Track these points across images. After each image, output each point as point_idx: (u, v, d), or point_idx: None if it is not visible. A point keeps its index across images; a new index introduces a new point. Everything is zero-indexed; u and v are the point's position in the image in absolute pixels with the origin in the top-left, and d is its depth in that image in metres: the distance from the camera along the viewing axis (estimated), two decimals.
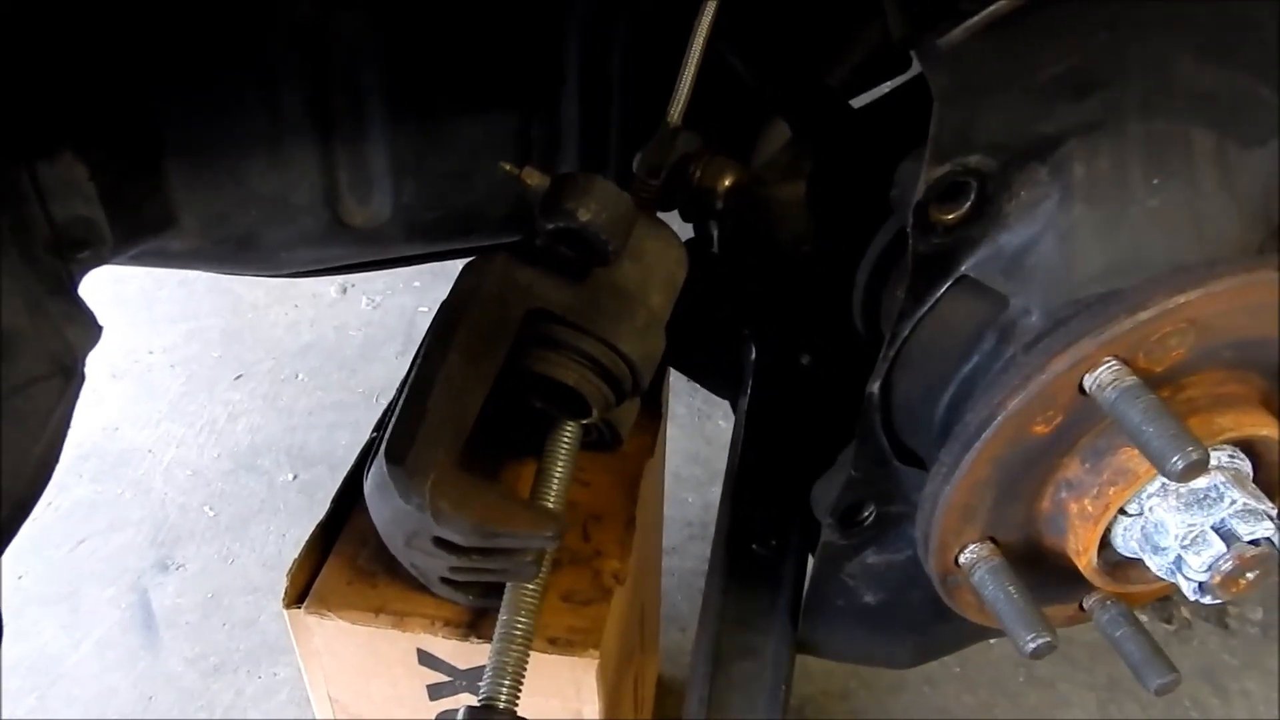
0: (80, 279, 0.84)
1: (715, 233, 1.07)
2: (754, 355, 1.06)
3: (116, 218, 0.84)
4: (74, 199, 0.80)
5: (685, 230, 1.05)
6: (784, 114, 1.03)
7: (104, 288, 2.28)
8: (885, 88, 1.00)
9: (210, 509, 1.97)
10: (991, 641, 1.66)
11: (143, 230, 0.89)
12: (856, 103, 1.00)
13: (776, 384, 1.05)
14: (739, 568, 1.01)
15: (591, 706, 0.96)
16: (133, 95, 0.83)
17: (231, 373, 2.29)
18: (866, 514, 0.86)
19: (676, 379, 1.22)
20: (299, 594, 0.96)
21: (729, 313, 1.07)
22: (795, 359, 1.03)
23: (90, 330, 0.78)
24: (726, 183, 1.00)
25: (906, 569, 0.88)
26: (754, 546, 1.02)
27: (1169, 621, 1.75)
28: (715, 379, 1.19)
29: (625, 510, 1.06)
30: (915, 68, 0.84)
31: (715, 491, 1.07)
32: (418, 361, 0.86)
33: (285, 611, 0.96)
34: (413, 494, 0.78)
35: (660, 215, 0.95)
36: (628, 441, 1.07)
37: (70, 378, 0.75)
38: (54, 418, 0.74)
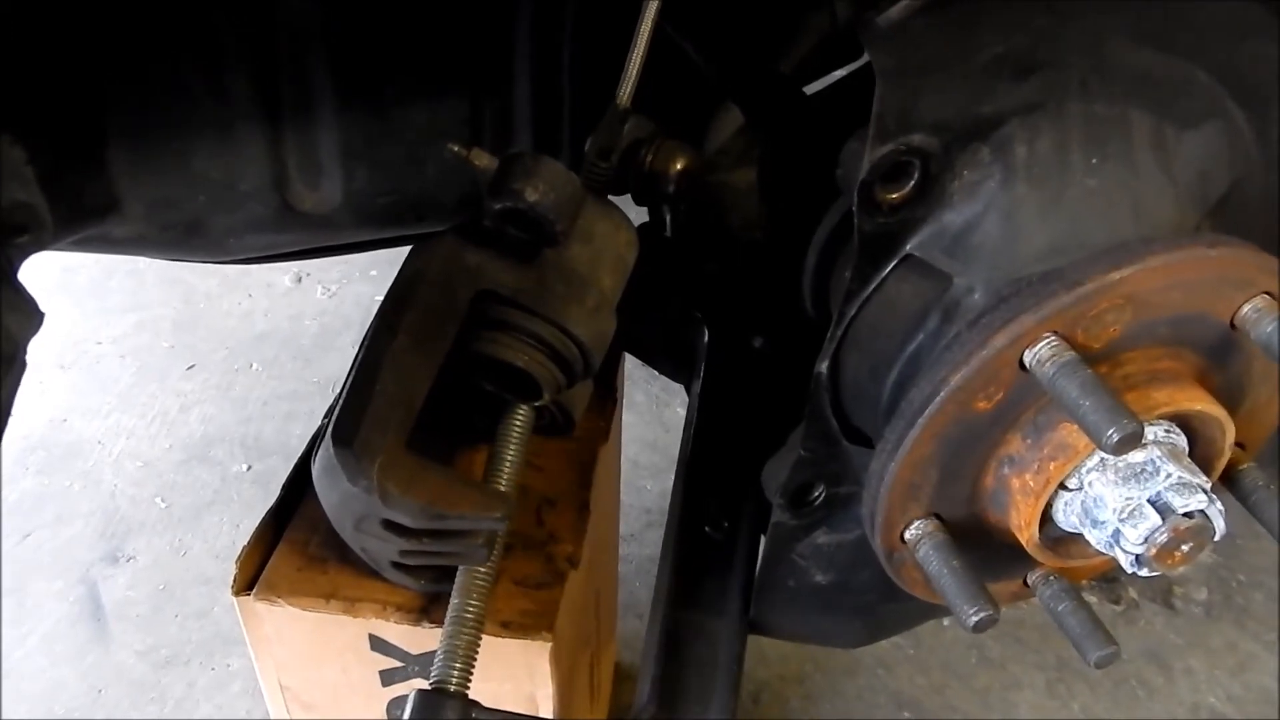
0: (19, 264, 0.82)
1: (668, 216, 1.07)
2: (706, 338, 1.06)
3: (57, 203, 0.82)
4: (12, 184, 0.78)
5: (640, 214, 1.05)
6: (736, 100, 1.03)
7: (52, 277, 2.28)
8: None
9: (162, 500, 1.94)
10: (944, 624, 1.69)
11: (85, 216, 0.87)
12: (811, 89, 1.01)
13: (729, 367, 1.05)
14: (692, 550, 1.02)
15: (544, 690, 0.96)
16: (73, 78, 0.81)
17: (183, 363, 2.25)
18: (816, 494, 0.86)
19: (634, 367, 1.22)
20: (249, 581, 0.95)
21: (682, 296, 1.07)
22: (747, 342, 1.04)
23: (31, 317, 0.77)
24: (678, 167, 1.00)
25: (856, 549, 0.89)
26: (707, 529, 1.03)
27: (1117, 602, 1.78)
28: (669, 362, 1.20)
29: (579, 494, 1.06)
30: (867, 54, 0.85)
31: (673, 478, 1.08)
32: (365, 344, 0.85)
33: (235, 599, 0.95)
34: (360, 476, 0.77)
35: (616, 200, 0.95)
36: (582, 426, 1.07)
37: (10, 364, 0.74)
38: None
